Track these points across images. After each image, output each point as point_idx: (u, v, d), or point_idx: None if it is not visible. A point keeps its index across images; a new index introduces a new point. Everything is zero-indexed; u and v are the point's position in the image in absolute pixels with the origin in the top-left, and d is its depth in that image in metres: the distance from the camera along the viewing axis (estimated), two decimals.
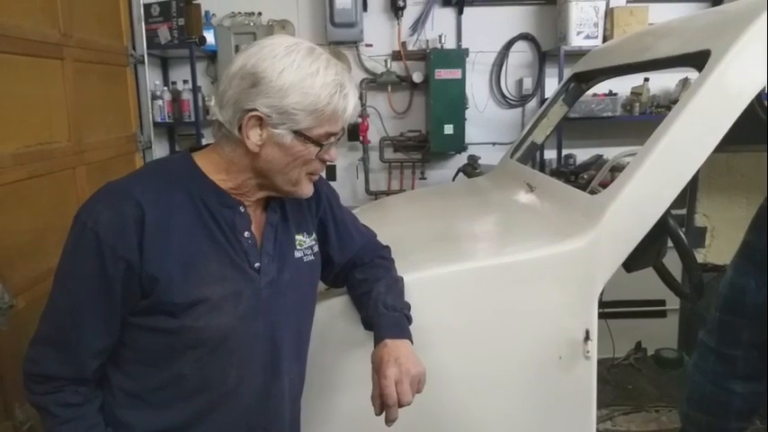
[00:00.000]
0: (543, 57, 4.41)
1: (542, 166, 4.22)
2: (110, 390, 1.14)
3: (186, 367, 1.12)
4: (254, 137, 1.09)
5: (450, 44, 4.32)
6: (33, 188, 2.11)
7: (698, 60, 1.52)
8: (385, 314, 1.29)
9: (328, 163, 1.20)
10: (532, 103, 4.49)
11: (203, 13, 4.00)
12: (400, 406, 1.14)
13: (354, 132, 4.27)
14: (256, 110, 1.06)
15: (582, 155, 4.24)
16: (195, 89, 3.95)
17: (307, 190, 1.19)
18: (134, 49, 3.07)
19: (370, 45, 4.34)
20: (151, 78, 3.56)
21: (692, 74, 1.58)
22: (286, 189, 1.17)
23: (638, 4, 4.11)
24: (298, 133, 1.09)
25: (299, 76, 1.06)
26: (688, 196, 2.44)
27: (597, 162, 4.02)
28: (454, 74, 4.12)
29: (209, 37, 4.01)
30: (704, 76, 1.46)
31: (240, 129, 1.09)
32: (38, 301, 1.94)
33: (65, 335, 1.08)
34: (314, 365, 1.35)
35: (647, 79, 4.18)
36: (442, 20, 4.36)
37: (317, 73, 1.07)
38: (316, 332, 1.34)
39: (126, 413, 1.13)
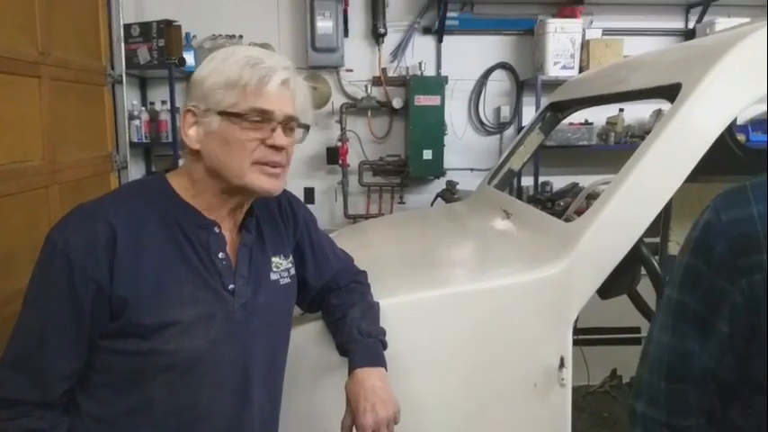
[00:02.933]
0: (521, 86, 4.48)
1: (519, 193, 4.26)
2: (78, 415, 1.11)
3: (156, 392, 1.09)
4: (191, 133, 1.12)
5: (429, 71, 4.37)
6: (5, 207, 2.07)
7: (669, 93, 1.56)
8: (359, 340, 1.28)
9: (277, 146, 1.10)
10: (510, 131, 4.55)
11: (184, 35, 4.00)
12: None
13: (334, 156, 4.28)
14: (188, 107, 1.12)
15: (558, 182, 4.29)
16: (173, 110, 3.92)
17: (258, 182, 1.11)
18: (112, 68, 3.06)
19: (351, 70, 4.37)
20: (129, 98, 3.54)
21: (665, 105, 1.61)
22: (237, 184, 1.11)
23: (614, 36, 4.21)
24: (223, 114, 1.09)
25: (216, 62, 1.12)
26: (661, 225, 2.47)
27: (573, 190, 4.06)
28: (433, 100, 4.16)
29: (189, 58, 4.00)
30: (675, 109, 1.49)
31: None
32: (6, 322, 1.88)
33: (32, 357, 1.06)
34: (288, 390, 1.33)
35: (621, 110, 4.27)
36: (422, 47, 4.42)
37: (231, 54, 1.12)
38: (290, 357, 1.32)
39: None
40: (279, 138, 1.11)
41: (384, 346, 1.31)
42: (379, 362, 1.27)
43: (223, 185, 1.13)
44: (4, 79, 2.11)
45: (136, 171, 3.89)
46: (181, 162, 1.20)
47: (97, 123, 2.94)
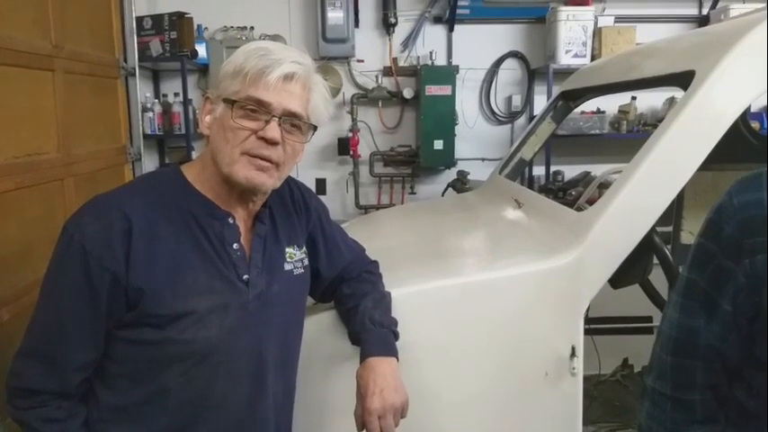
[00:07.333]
0: (532, 74, 4.46)
1: (531, 183, 4.24)
2: (95, 404, 1.13)
3: (172, 381, 1.11)
4: (207, 119, 1.14)
5: (440, 61, 4.35)
6: (21, 199, 2.10)
7: (683, 80, 1.55)
8: (371, 330, 1.29)
9: (268, 138, 1.09)
10: (521, 120, 4.53)
11: (195, 27, 4.01)
12: None
13: (345, 146, 4.28)
14: (206, 94, 1.16)
15: (570, 171, 4.27)
16: (186, 102, 3.95)
17: (242, 172, 1.10)
18: (125, 61, 3.07)
19: (362, 61, 4.36)
20: (142, 91, 3.56)
21: (678, 93, 1.60)
22: (225, 172, 1.11)
23: (626, 24, 4.17)
24: (226, 101, 1.10)
25: (235, 53, 1.13)
26: (674, 213, 2.46)
27: (585, 179, 4.04)
28: (444, 90, 4.15)
29: (201, 50, 4.02)
30: (688, 96, 1.48)
31: None
32: (23, 313, 1.92)
33: (49, 348, 1.07)
34: (302, 379, 1.34)
35: (634, 98, 4.23)
36: (433, 37, 4.40)
37: (250, 46, 1.13)
38: (303, 346, 1.34)
39: (110, 428, 1.12)
40: (271, 130, 1.09)
41: (396, 336, 1.32)
42: (391, 351, 1.28)
43: (222, 173, 1.13)
44: (19, 73, 2.13)
45: (149, 163, 3.92)
46: (194, 154, 1.22)
47: (111, 116, 2.97)
